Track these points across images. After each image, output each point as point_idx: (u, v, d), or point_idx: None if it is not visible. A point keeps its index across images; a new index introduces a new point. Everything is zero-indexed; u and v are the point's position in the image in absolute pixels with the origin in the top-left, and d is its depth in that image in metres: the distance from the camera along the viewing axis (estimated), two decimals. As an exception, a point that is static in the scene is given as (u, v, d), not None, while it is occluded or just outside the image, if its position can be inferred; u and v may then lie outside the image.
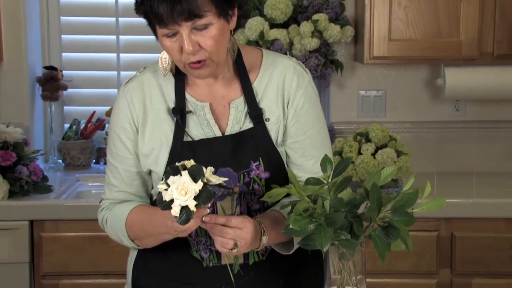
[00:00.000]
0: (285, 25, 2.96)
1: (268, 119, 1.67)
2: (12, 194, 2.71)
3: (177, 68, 1.64)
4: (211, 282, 1.68)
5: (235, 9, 1.59)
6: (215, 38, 1.53)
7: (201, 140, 1.65)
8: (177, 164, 1.42)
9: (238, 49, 1.68)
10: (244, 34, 2.88)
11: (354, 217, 1.41)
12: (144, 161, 1.68)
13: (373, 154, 2.73)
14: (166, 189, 1.40)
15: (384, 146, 2.76)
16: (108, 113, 3.20)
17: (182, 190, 1.38)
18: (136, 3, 1.55)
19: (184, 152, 1.63)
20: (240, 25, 1.63)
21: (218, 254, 1.67)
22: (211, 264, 1.68)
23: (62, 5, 3.25)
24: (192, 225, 1.46)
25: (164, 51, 1.63)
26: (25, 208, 2.67)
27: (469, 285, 2.68)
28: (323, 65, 2.95)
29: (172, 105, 1.66)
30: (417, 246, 2.52)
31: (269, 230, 1.58)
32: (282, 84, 1.68)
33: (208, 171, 1.41)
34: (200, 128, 1.66)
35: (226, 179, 1.46)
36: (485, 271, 2.67)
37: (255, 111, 1.66)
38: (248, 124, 1.66)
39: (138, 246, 1.71)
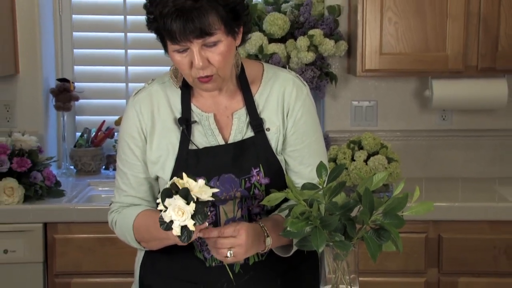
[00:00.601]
0: (282, 39, 2.96)
1: (268, 129, 1.67)
2: (27, 198, 2.71)
3: (183, 80, 1.64)
4: (214, 281, 1.68)
5: (241, 27, 1.59)
6: (223, 54, 1.53)
7: (205, 148, 1.65)
8: (168, 184, 1.41)
9: (242, 63, 1.68)
10: (245, 48, 2.89)
11: (347, 220, 1.41)
12: (152, 168, 1.68)
13: (366, 161, 2.73)
14: (165, 211, 1.39)
15: (376, 153, 2.76)
16: (117, 122, 3.20)
17: (179, 211, 1.38)
18: (149, 20, 1.54)
19: (189, 159, 1.63)
20: (244, 41, 1.63)
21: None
22: (213, 264, 1.68)
23: (75, 21, 3.26)
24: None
25: (173, 65, 1.64)
26: (39, 211, 2.67)
27: (456, 283, 2.68)
28: (318, 77, 2.96)
29: (178, 115, 1.66)
30: (407, 247, 2.52)
31: (271, 232, 1.58)
32: (282, 96, 1.68)
33: (198, 186, 1.40)
34: (204, 137, 1.66)
35: (216, 190, 1.44)
36: (471, 270, 2.67)
37: (256, 121, 1.66)
38: (250, 133, 1.66)
39: (144, 248, 1.71)
